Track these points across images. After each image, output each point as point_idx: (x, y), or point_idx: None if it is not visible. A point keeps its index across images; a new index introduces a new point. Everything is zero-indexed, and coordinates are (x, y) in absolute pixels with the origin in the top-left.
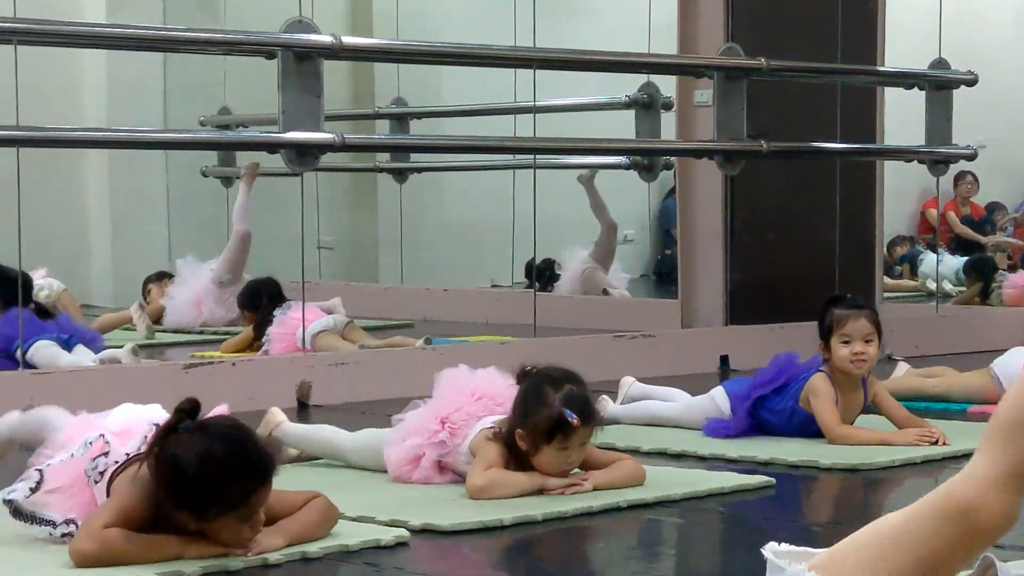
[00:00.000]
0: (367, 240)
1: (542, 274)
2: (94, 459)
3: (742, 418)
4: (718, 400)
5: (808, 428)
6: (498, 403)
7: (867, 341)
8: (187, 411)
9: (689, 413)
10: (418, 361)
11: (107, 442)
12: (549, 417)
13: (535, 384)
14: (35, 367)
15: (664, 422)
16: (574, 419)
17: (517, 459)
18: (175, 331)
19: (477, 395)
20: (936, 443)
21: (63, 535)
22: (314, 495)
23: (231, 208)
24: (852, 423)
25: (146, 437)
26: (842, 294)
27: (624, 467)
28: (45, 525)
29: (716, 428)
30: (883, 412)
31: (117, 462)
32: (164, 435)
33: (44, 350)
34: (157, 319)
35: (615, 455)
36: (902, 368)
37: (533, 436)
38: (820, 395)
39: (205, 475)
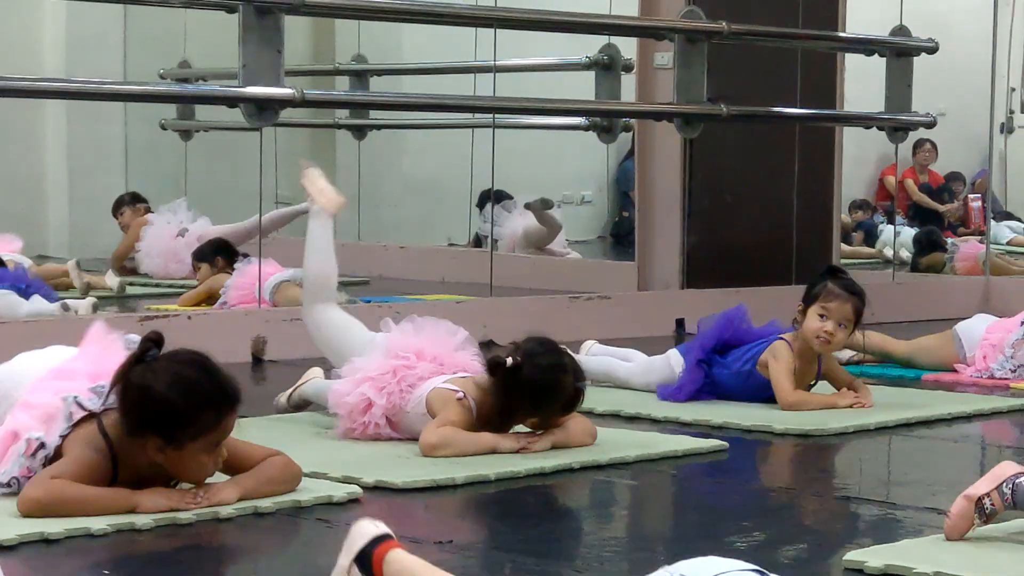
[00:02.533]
0: None
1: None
2: (33, 455)
3: (692, 370)
4: (673, 362)
5: (762, 393)
6: (450, 366)
7: (842, 325)
8: (154, 341)
9: (644, 375)
10: (375, 317)
11: (38, 439)
12: (569, 395)
13: (543, 380)
14: None
15: (618, 382)
16: (583, 385)
17: (481, 426)
18: (143, 283)
19: (431, 357)
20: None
21: (6, 494)
22: (274, 453)
23: (189, 161)
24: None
25: (71, 415)
26: (842, 268)
27: (577, 424)
28: None
29: (671, 392)
30: (829, 378)
31: (57, 445)
32: (131, 365)
33: (2, 299)
34: (129, 254)
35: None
36: (845, 354)
37: (552, 417)
38: (779, 361)
39: (179, 397)
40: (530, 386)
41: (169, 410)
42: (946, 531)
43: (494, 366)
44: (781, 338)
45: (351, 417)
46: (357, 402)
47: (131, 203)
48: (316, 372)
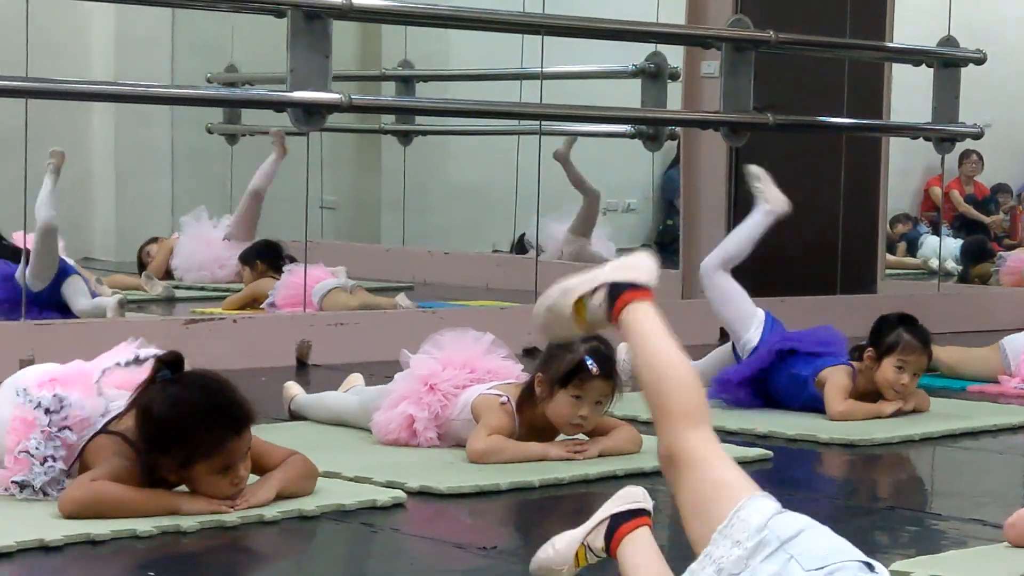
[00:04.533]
0: (370, 201)
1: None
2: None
3: (765, 355)
4: (756, 322)
5: (812, 405)
6: (490, 373)
7: (915, 375)
8: (167, 362)
9: (704, 363)
10: (418, 322)
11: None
12: (571, 360)
13: (555, 350)
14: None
15: None
16: (593, 367)
17: (525, 431)
18: (188, 287)
19: (461, 364)
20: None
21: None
22: (291, 453)
23: (235, 165)
24: None
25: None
26: (912, 317)
27: (624, 433)
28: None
29: (728, 373)
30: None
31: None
32: (145, 387)
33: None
34: (165, 274)
35: (615, 421)
36: None
37: (551, 379)
38: (836, 383)
39: (174, 420)
40: (550, 345)
41: (165, 430)
42: (1005, 534)
43: (528, 352)
44: (850, 364)
45: (400, 441)
46: (401, 424)
47: (152, 242)
48: (357, 379)
